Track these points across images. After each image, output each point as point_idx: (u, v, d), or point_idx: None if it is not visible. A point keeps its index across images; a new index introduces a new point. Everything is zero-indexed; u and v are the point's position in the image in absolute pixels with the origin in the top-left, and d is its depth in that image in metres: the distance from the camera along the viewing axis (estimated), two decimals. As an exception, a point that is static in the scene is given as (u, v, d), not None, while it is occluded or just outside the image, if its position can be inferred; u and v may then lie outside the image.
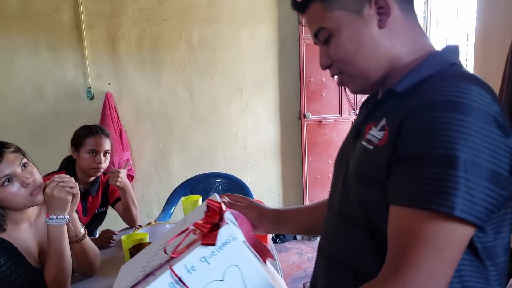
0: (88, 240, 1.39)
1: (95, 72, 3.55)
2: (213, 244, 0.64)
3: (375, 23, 0.73)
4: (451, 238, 0.59)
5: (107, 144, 1.93)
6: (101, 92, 3.54)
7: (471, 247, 0.66)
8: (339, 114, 3.61)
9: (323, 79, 3.56)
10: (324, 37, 0.77)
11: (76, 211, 1.94)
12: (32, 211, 1.34)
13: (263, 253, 0.78)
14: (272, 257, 0.82)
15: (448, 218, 0.58)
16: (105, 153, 1.92)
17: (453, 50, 0.76)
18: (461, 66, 0.74)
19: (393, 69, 0.75)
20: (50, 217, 1.24)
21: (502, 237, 0.69)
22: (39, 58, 3.50)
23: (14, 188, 1.21)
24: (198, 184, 2.63)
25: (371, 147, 0.71)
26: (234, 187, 2.54)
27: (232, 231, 0.67)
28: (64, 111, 3.51)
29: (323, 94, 3.62)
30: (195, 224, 0.68)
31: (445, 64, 0.72)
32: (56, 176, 1.29)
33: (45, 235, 1.28)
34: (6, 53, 3.48)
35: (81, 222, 1.93)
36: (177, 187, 2.64)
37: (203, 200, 1.58)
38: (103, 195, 2.06)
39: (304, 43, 3.46)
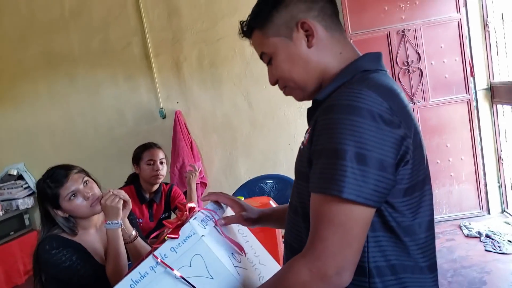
0: (140, 241, 1.66)
1: (165, 93, 3.99)
2: (176, 238, 0.84)
3: (303, 43, 0.86)
4: (350, 216, 0.71)
5: (161, 154, 2.28)
6: (172, 110, 3.96)
7: (387, 226, 0.77)
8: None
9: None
10: (266, 60, 0.92)
11: (143, 217, 2.28)
12: (97, 218, 1.66)
13: (238, 246, 0.94)
14: (243, 252, 0.97)
15: (343, 200, 0.71)
16: (161, 162, 2.25)
17: (370, 58, 0.87)
18: (373, 71, 0.84)
19: (324, 79, 0.88)
20: (107, 222, 1.54)
21: (420, 216, 0.79)
22: (118, 88, 4.05)
23: (79, 201, 1.53)
24: (255, 187, 2.84)
25: (302, 146, 0.86)
26: (286, 187, 2.69)
27: (193, 227, 0.85)
28: (142, 131, 4.00)
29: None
30: (165, 222, 0.89)
31: (356, 71, 0.84)
32: (111, 189, 1.60)
33: (107, 237, 1.58)
34: (94, 87, 4.10)
35: (148, 227, 2.27)
36: (237, 189, 2.88)
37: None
38: (166, 202, 2.38)
39: (351, 40, 3.48)
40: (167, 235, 0.85)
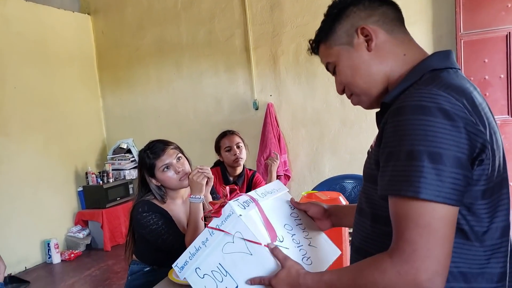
0: (218, 216, 1.81)
1: (260, 86, 4.15)
2: (218, 216, 0.96)
3: (364, 49, 0.88)
4: (434, 216, 0.70)
5: (237, 139, 2.43)
6: (264, 103, 4.11)
7: (459, 229, 0.75)
8: (508, 115, 3.20)
9: (486, 77, 3.23)
10: (332, 69, 0.95)
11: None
12: (184, 191, 1.85)
13: (272, 232, 0.99)
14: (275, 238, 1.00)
15: (423, 201, 0.70)
16: (237, 146, 2.40)
17: (439, 56, 0.85)
18: (443, 69, 0.81)
19: (389, 83, 0.88)
20: (191, 196, 1.70)
21: (496, 221, 0.76)
22: (218, 78, 4.32)
23: (170, 174, 1.73)
24: (336, 185, 2.83)
25: (370, 150, 0.88)
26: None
27: (232, 207, 0.94)
28: (236, 120, 4.23)
29: (487, 94, 3.27)
30: (210, 203, 1.01)
31: (424, 71, 0.82)
32: (198, 166, 1.76)
33: (191, 210, 1.76)
34: (197, 75, 4.44)
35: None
36: (317, 185, 2.90)
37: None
38: (248, 186, 2.52)
39: (462, 41, 3.23)
40: (211, 214, 0.96)
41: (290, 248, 0.98)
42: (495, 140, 0.77)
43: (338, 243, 1.46)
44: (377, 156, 0.80)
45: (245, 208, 0.97)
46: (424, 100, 0.72)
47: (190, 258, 1.00)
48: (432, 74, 0.81)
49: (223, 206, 0.97)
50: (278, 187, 1.14)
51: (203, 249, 0.98)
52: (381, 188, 0.77)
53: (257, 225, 0.95)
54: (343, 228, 1.46)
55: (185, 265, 1.01)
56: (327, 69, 0.98)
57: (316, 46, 0.97)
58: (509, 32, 3.20)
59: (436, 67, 0.82)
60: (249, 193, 1.05)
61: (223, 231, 0.95)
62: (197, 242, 1.00)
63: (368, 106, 0.95)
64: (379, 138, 0.81)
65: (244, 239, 0.93)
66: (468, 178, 0.72)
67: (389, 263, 0.72)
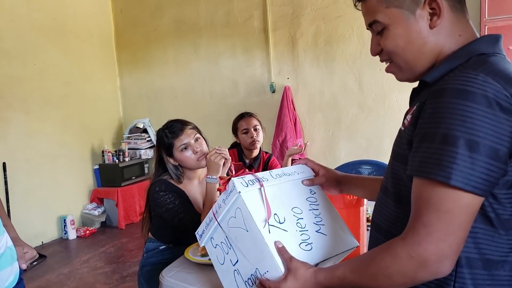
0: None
1: (277, 68, 4.10)
2: (224, 189, 0.99)
3: (426, 22, 0.80)
4: (458, 204, 0.69)
5: (254, 121, 2.42)
6: (281, 86, 4.07)
7: (485, 216, 0.73)
8: (532, 104, 3.09)
9: None
10: (378, 29, 0.85)
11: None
12: (201, 172, 1.84)
13: (268, 212, 0.98)
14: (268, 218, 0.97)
15: (450, 187, 0.68)
16: (255, 128, 2.38)
17: (488, 40, 0.80)
18: (491, 54, 0.77)
19: (437, 61, 0.83)
20: (208, 176, 1.70)
21: None
22: (236, 59, 4.28)
23: (188, 153, 1.72)
24: (352, 170, 2.79)
25: (402, 128, 0.84)
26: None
27: (234, 184, 0.95)
28: (252, 102, 4.20)
29: None
30: (219, 177, 1.09)
31: (472, 54, 0.77)
32: (216, 146, 1.75)
33: (207, 190, 1.76)
34: (214, 56, 4.40)
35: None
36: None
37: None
38: (264, 168, 2.51)
39: (486, 26, 3.12)
40: (217, 188, 0.97)
41: (289, 231, 0.96)
42: None
43: (356, 222, 1.44)
44: (410, 136, 0.77)
45: (247, 186, 0.97)
46: (470, 84, 0.69)
47: (206, 227, 1.06)
48: (480, 58, 0.77)
49: (228, 181, 0.99)
50: (301, 170, 1.12)
51: (214, 221, 1.02)
52: (411, 169, 0.75)
53: (256, 204, 0.95)
54: (361, 210, 1.44)
55: (203, 233, 1.07)
56: (369, 26, 0.87)
57: None
58: (536, 19, 3.08)
59: (485, 51, 0.78)
60: (262, 172, 1.04)
61: (226, 205, 0.99)
62: (210, 213, 1.04)
63: (404, 80, 0.89)
64: (415, 117, 0.77)
65: (242, 215, 0.95)
66: (502, 171, 0.69)
67: (401, 246, 0.72)
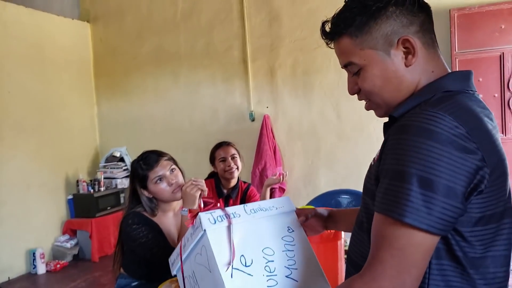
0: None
1: (256, 97, 4.13)
2: (192, 224, 0.96)
3: (401, 61, 0.80)
4: (411, 242, 0.68)
5: (232, 150, 2.40)
6: (261, 114, 4.08)
7: (453, 255, 0.72)
8: (502, 134, 3.19)
9: (481, 96, 3.21)
10: (353, 71, 0.85)
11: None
12: (177, 204, 1.79)
13: (233, 254, 0.94)
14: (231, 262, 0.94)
15: (405, 225, 0.68)
16: (232, 157, 2.36)
17: (456, 77, 0.80)
18: (457, 92, 0.77)
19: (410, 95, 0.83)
20: (183, 209, 1.65)
21: (494, 250, 0.72)
22: (216, 88, 4.30)
23: (163, 185, 1.67)
24: (331, 199, 2.78)
25: (372, 163, 0.84)
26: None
27: (201, 220, 0.92)
28: (232, 130, 4.18)
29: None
30: (189, 210, 1.05)
31: (437, 91, 0.77)
32: (192, 177, 1.71)
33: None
34: (194, 85, 4.41)
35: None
36: (312, 199, 2.85)
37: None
38: (242, 199, 2.47)
39: (457, 59, 3.25)
40: (185, 223, 0.95)
41: (255, 275, 0.91)
42: (502, 168, 0.73)
43: (334, 257, 1.41)
44: (377, 172, 0.77)
45: (214, 223, 0.92)
46: (427, 122, 0.69)
47: (177, 257, 1.05)
48: (444, 94, 0.77)
49: (196, 216, 0.95)
50: (281, 205, 1.06)
51: (183, 252, 1.01)
52: (376, 205, 0.75)
53: (221, 243, 0.91)
54: (339, 244, 1.41)
55: (174, 262, 1.06)
56: (345, 67, 0.87)
57: (336, 34, 0.85)
58: (503, 53, 3.22)
59: (451, 88, 0.78)
60: (236, 207, 0.99)
61: (193, 240, 0.96)
62: (179, 246, 1.03)
63: (384, 116, 0.88)
64: (380, 153, 0.78)
65: (207, 254, 0.91)
66: (459, 210, 0.68)
67: (358, 282, 0.72)
